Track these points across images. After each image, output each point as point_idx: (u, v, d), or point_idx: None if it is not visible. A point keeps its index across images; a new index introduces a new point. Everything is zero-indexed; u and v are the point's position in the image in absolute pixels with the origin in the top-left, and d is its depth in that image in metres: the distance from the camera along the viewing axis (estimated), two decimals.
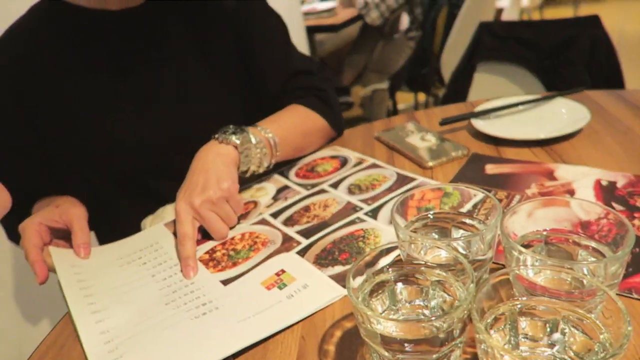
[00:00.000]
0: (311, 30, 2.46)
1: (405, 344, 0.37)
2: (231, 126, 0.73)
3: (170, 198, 0.73)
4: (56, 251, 0.66)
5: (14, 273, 1.22)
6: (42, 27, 0.77)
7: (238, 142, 0.71)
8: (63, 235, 0.70)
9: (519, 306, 0.38)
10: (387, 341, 0.38)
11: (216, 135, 0.72)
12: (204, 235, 0.67)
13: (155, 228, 0.71)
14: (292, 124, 0.82)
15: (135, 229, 0.74)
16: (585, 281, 0.40)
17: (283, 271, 0.57)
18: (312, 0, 2.89)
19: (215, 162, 0.69)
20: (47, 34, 0.77)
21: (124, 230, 0.72)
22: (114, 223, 0.74)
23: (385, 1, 2.36)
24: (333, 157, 0.85)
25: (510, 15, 2.89)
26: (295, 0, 2.28)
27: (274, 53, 0.87)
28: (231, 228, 0.68)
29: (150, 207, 0.77)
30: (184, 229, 0.63)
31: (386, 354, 0.38)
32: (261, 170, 0.76)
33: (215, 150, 0.70)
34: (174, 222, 0.68)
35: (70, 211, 0.68)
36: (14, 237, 0.85)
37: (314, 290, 0.54)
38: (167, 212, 0.75)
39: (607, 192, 0.62)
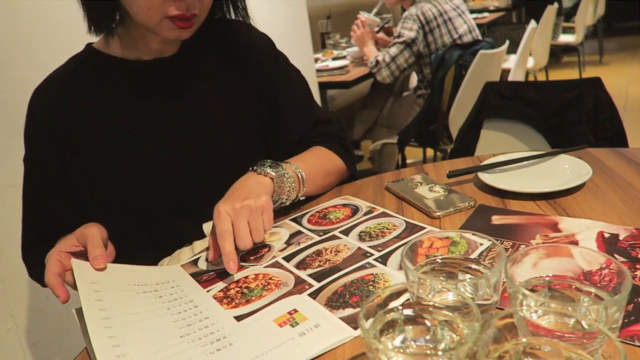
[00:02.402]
0: (323, 87, 2.56)
1: None
2: (268, 160, 0.81)
3: (189, 238, 0.76)
4: (78, 264, 0.69)
5: (28, 312, 1.24)
6: (79, 74, 0.84)
7: (274, 174, 0.79)
8: (87, 258, 0.72)
9: (523, 344, 0.40)
10: None
11: (254, 167, 0.80)
12: (219, 275, 0.70)
13: (172, 268, 0.74)
14: (317, 163, 0.89)
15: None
16: (585, 324, 0.42)
17: (295, 310, 0.59)
18: (325, 59, 3.02)
19: (255, 185, 0.76)
20: (83, 81, 0.83)
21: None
22: (129, 260, 0.77)
23: (396, 61, 2.46)
24: (345, 206, 0.88)
25: (516, 75, 2.99)
26: (309, 59, 2.39)
27: (299, 103, 0.96)
28: (255, 246, 0.73)
29: (169, 246, 0.80)
30: (224, 225, 0.69)
31: None
32: (288, 203, 0.83)
33: (254, 179, 0.78)
34: (193, 262, 0.71)
35: (84, 232, 0.72)
36: (35, 275, 0.88)
37: (325, 330, 0.56)
38: (183, 254, 0.78)
39: (609, 244, 0.65)
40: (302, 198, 0.89)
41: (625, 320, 0.51)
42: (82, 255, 0.73)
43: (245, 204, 0.71)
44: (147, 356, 0.54)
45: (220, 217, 0.70)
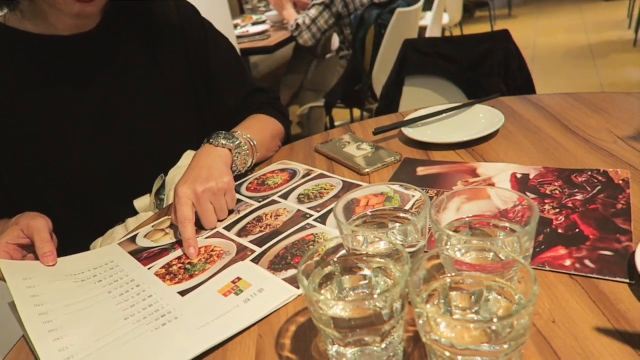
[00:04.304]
0: (246, 53, 2.51)
1: (354, 324, 0.42)
2: (222, 132, 0.81)
3: (120, 219, 0.74)
4: (5, 263, 0.65)
5: None
6: None
7: (232, 145, 0.79)
8: (33, 250, 0.69)
9: (448, 281, 0.44)
10: (338, 324, 0.42)
11: (210, 140, 0.79)
12: (160, 252, 0.69)
13: (109, 247, 0.72)
14: (263, 129, 0.91)
15: (85, 250, 0.75)
16: (502, 256, 0.47)
17: (239, 279, 0.60)
18: (245, 24, 2.95)
19: (216, 161, 0.76)
20: None
21: (73, 252, 0.73)
22: (63, 244, 0.75)
23: (316, 23, 2.46)
24: (283, 171, 0.89)
25: (432, 32, 3.08)
26: (228, 25, 2.33)
27: (232, 72, 0.95)
28: (220, 221, 0.74)
29: (101, 227, 0.78)
30: (185, 212, 0.68)
31: (338, 335, 0.43)
32: (244, 171, 0.84)
33: (214, 153, 0.77)
34: (131, 239, 0.70)
35: (31, 224, 0.69)
36: None
37: (269, 293, 0.58)
38: (117, 233, 0.76)
39: (521, 184, 0.71)
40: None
41: (537, 250, 0.57)
42: (29, 247, 0.70)
43: (208, 187, 0.70)
44: (92, 344, 0.53)
45: (182, 202, 0.68)
